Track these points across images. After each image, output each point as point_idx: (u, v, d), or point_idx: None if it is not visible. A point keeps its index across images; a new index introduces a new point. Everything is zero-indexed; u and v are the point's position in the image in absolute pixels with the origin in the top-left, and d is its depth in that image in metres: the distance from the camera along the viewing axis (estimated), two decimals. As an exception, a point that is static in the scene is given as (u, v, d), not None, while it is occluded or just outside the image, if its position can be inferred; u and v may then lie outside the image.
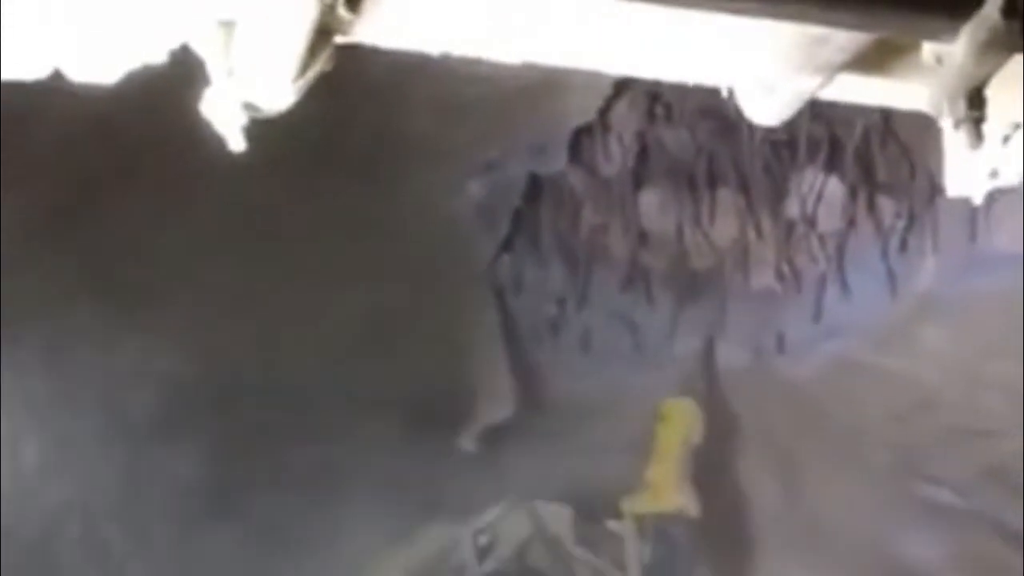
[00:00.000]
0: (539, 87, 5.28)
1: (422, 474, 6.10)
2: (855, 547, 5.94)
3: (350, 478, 5.94)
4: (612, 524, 6.06)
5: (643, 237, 6.44)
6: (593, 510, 6.11)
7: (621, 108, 6.06)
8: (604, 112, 6.03)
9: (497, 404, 6.43)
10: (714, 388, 6.39)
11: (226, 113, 1.88)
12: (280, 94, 1.88)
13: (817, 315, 6.25)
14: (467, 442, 6.35)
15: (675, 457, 6.16)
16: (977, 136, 1.86)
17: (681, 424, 6.22)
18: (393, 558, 5.95)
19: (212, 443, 5.90)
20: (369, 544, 5.90)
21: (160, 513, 5.85)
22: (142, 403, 5.86)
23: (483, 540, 5.97)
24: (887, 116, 5.65)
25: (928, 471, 5.82)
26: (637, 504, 6.09)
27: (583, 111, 5.93)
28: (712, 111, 5.93)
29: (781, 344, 6.34)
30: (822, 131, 5.93)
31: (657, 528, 6.03)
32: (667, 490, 6.09)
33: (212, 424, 5.90)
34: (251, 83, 1.87)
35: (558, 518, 6.08)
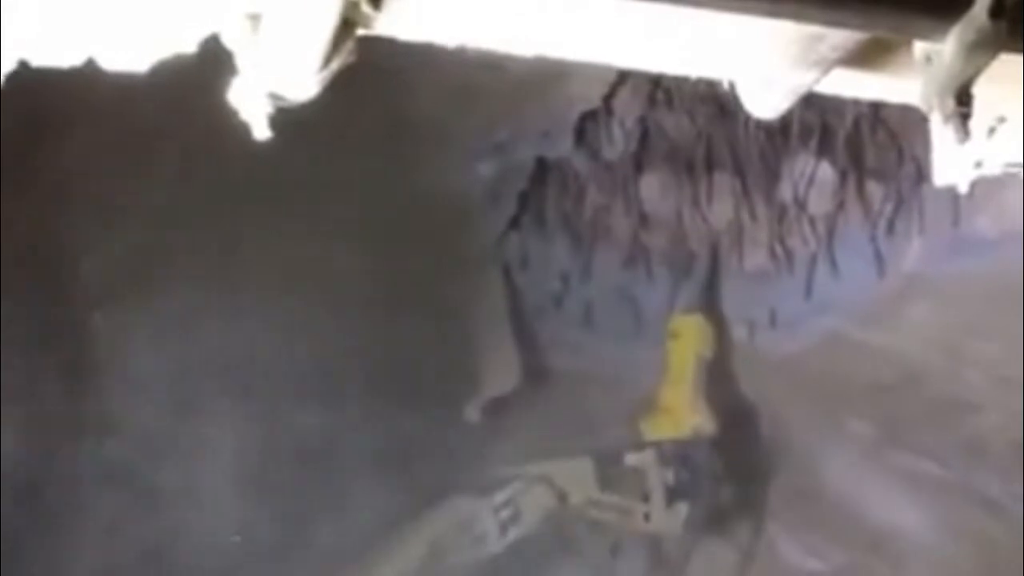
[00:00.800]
0: (546, 75, 5.30)
1: (430, 444, 6.11)
2: (840, 513, 5.97)
3: (355, 447, 5.95)
4: (631, 458, 6.00)
5: (644, 217, 6.45)
6: (611, 450, 6.06)
7: (624, 94, 6.06)
8: (608, 98, 6.03)
9: (502, 375, 6.44)
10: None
11: (252, 102, 1.89)
12: (304, 85, 1.89)
13: (808, 293, 6.27)
14: (472, 413, 6.35)
15: (689, 375, 6.14)
16: (964, 131, 1.88)
17: (692, 339, 6.21)
18: (411, 532, 5.89)
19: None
20: (380, 518, 5.88)
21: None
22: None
23: (505, 514, 5.91)
24: (877, 105, 5.64)
25: (912, 442, 5.83)
26: (654, 429, 6.06)
27: (588, 98, 5.94)
28: (710, 98, 5.94)
29: (773, 320, 6.34)
30: (814, 119, 5.93)
31: (676, 452, 5.97)
32: (683, 411, 6.05)
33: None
34: (277, 74, 1.88)
35: (578, 473, 6.01)
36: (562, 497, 5.98)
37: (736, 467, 6.08)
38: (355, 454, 5.89)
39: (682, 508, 5.94)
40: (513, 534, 5.91)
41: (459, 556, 5.88)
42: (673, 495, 5.93)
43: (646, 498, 5.96)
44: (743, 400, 6.32)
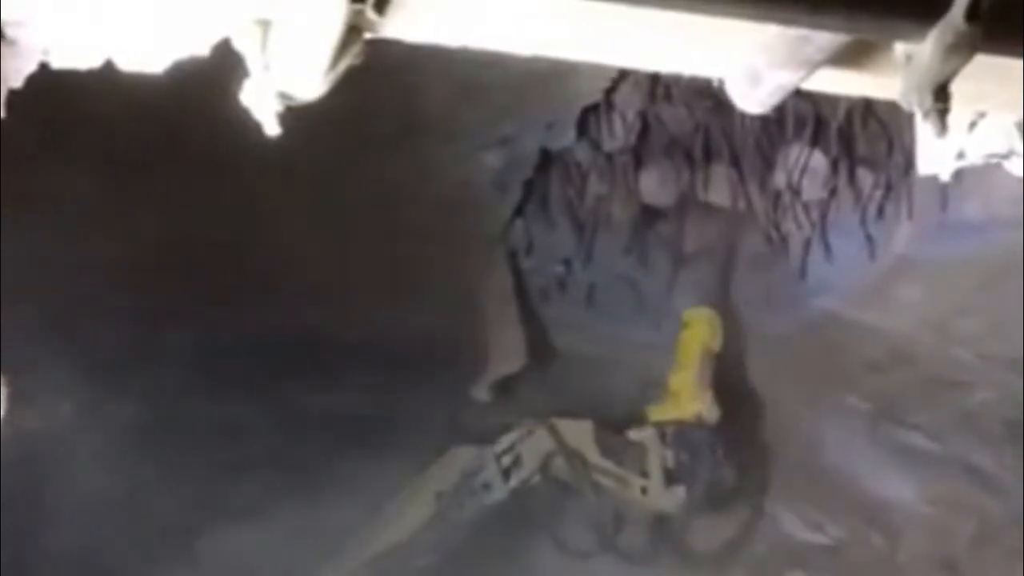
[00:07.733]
0: (550, 71, 5.30)
1: (439, 417, 6.13)
2: (837, 487, 5.97)
3: (369, 422, 5.96)
4: (633, 433, 5.94)
5: (643, 205, 6.46)
6: (613, 421, 6.02)
7: (626, 89, 6.07)
8: (609, 92, 6.04)
9: (509, 356, 6.46)
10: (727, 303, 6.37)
11: (263, 102, 1.91)
12: (312, 85, 1.90)
13: (802, 275, 6.28)
14: (481, 392, 6.36)
15: (695, 364, 6.07)
16: (942, 125, 1.90)
17: (701, 331, 6.17)
18: (420, 485, 5.86)
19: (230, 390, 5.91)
20: (390, 480, 5.88)
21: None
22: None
23: (506, 460, 5.86)
24: (867, 98, 5.65)
25: (905, 418, 5.83)
26: (658, 411, 6.01)
27: (590, 93, 5.96)
28: (708, 92, 5.92)
29: (769, 300, 6.35)
30: (808, 110, 5.94)
31: (677, 435, 5.90)
32: (687, 397, 5.99)
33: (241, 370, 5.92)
34: (286, 75, 1.89)
35: (579, 432, 5.93)
36: (562, 442, 5.92)
37: (737, 455, 6.05)
38: (365, 428, 5.92)
39: (679, 491, 5.91)
40: (515, 479, 5.88)
41: (466, 505, 5.84)
42: (671, 478, 5.89)
43: (645, 474, 5.93)
44: (750, 390, 6.31)
